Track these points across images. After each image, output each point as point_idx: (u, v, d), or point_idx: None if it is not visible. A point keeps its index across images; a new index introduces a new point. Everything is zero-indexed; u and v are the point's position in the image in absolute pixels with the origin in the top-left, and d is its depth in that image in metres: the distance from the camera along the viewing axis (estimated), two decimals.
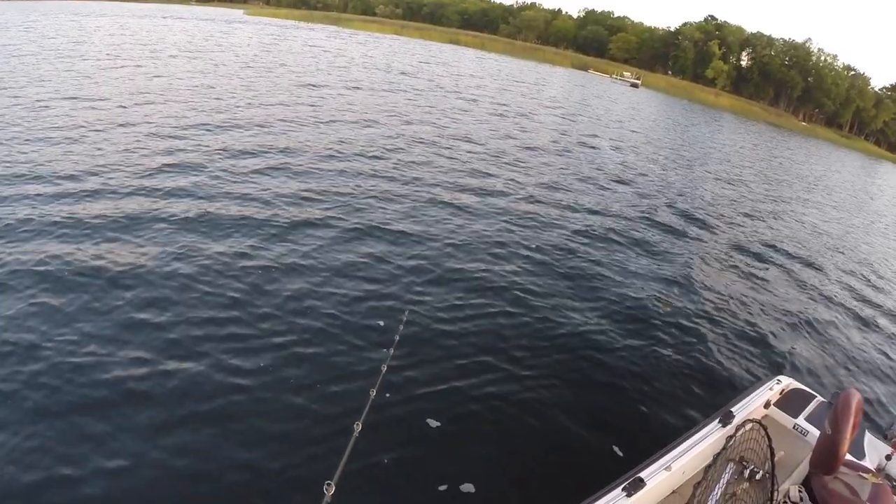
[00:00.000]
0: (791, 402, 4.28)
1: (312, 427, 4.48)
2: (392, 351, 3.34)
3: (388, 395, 4.85)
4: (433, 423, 4.80)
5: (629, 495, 2.90)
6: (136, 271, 6.45)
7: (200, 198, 8.87)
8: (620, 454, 4.91)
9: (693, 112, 60.30)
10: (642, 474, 3.04)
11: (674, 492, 3.29)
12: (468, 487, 4.21)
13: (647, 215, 12.61)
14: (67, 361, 4.86)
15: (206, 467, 3.99)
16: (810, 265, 12.23)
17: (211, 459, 4.06)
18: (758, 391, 4.23)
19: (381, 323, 6.13)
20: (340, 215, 9.04)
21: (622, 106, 43.99)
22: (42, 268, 6.27)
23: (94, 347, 5.08)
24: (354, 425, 2.46)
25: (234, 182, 9.84)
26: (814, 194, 23.54)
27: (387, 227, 8.87)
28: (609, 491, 2.93)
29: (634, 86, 76.38)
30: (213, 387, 4.80)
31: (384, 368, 3.09)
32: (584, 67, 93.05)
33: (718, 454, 2.80)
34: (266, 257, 7.25)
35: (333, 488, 2.06)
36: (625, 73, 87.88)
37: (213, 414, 4.50)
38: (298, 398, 4.78)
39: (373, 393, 2.81)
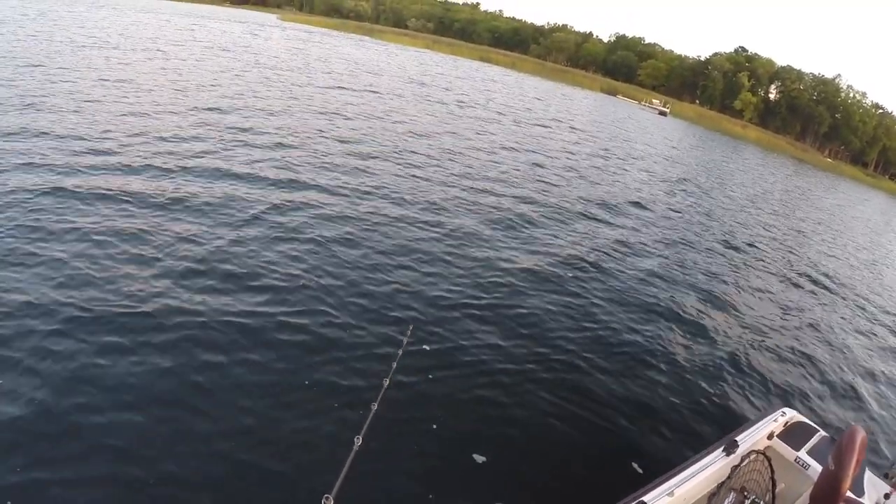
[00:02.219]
0: (794, 435, 4.33)
1: (312, 439, 4.54)
2: (395, 364, 3.31)
3: (389, 409, 4.77)
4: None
5: None
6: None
7: (199, 192, 9.39)
8: (640, 470, 5.12)
9: (720, 143, 61.81)
10: (645, 498, 3.09)
11: None
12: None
13: (668, 242, 13.30)
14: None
15: (199, 474, 4.06)
16: (825, 300, 12.86)
17: (204, 466, 4.14)
18: (762, 422, 4.35)
19: (385, 335, 6.21)
20: (352, 219, 9.50)
21: (651, 133, 45.59)
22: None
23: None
24: (355, 439, 2.47)
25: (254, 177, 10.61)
26: (835, 233, 24.36)
27: (399, 236, 9.25)
28: None
29: (663, 114, 78.15)
30: (207, 393, 4.89)
31: (386, 382, 3.06)
32: (613, 92, 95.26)
33: (722, 483, 2.87)
34: (268, 254, 7.60)
35: (332, 502, 2.08)
36: (654, 100, 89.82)
37: (206, 419, 4.61)
38: (297, 409, 4.86)
39: (374, 406, 2.79)
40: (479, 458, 4.79)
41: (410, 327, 4.31)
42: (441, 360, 6.03)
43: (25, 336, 5.11)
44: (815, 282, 14.32)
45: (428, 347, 6.22)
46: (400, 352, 3.52)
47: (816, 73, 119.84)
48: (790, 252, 17.07)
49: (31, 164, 9.13)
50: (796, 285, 13.49)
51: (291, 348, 5.70)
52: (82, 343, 5.18)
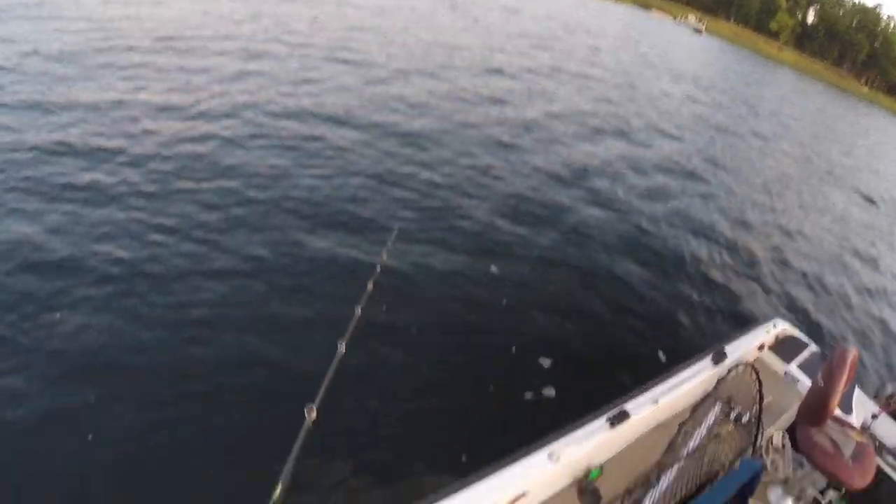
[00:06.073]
0: (785, 348, 4.34)
1: (292, 346, 4.44)
2: (379, 268, 3.17)
3: (375, 312, 4.60)
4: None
5: (612, 426, 2.98)
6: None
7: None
8: (663, 359, 5.39)
9: (756, 64, 60.95)
10: (627, 406, 3.11)
11: (658, 426, 3.38)
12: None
13: (687, 162, 13.19)
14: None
15: (181, 385, 4.06)
16: (845, 217, 13.26)
17: (186, 377, 4.14)
18: (753, 332, 4.29)
19: (368, 236, 6.08)
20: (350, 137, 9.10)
21: (686, 51, 45.62)
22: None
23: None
24: (338, 345, 2.39)
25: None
26: (864, 154, 25.07)
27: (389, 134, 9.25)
28: (592, 420, 3.00)
29: (698, 31, 76.80)
30: (193, 296, 4.88)
31: (370, 286, 2.95)
32: (647, 6, 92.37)
33: (708, 394, 2.85)
34: (271, 159, 7.63)
35: (315, 412, 2.00)
36: (689, 16, 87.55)
37: (193, 324, 4.60)
38: (275, 316, 4.77)
39: (358, 310, 2.70)
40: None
41: (396, 227, 4.06)
42: (428, 262, 5.86)
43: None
44: (840, 196, 14.95)
45: (415, 248, 6.02)
46: (385, 253, 3.40)
47: (856, 0, 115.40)
48: (816, 170, 17.61)
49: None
50: (819, 200, 13.99)
51: (273, 250, 5.59)
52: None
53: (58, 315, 4.53)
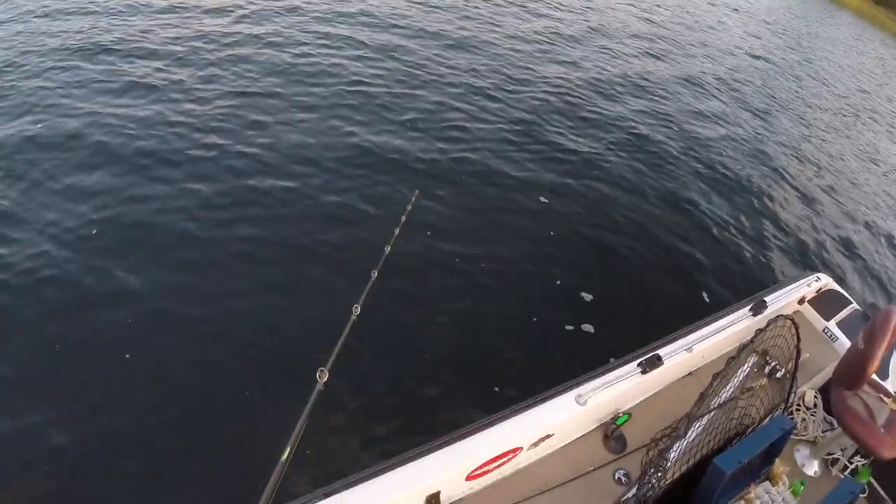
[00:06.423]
0: (826, 304, 4.19)
1: (306, 309, 4.39)
2: (398, 230, 3.11)
3: (391, 277, 4.41)
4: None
5: (644, 371, 2.92)
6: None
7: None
8: (707, 300, 5.46)
9: (816, 5, 57.37)
10: (661, 352, 3.03)
11: (691, 374, 3.33)
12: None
13: (742, 94, 12.93)
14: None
15: (204, 350, 3.96)
16: (890, 175, 12.60)
17: (212, 340, 4.04)
18: (794, 285, 4.12)
19: (388, 198, 5.77)
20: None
21: None
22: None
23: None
24: (353, 308, 2.38)
25: None
26: None
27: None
28: (623, 364, 2.95)
29: None
30: (238, 191, 5.07)
31: (387, 249, 2.90)
32: None
33: (744, 345, 2.71)
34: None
35: (327, 375, 1.98)
36: None
37: (238, 219, 4.79)
38: (290, 278, 4.66)
39: (374, 274, 2.68)
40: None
41: (416, 191, 3.90)
42: (448, 226, 5.63)
43: None
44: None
45: (436, 210, 5.79)
46: (404, 217, 3.27)
47: None
48: (873, 120, 16.69)
49: None
50: (875, 150, 13.39)
51: (275, 211, 5.36)
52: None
53: (106, 210, 4.67)
